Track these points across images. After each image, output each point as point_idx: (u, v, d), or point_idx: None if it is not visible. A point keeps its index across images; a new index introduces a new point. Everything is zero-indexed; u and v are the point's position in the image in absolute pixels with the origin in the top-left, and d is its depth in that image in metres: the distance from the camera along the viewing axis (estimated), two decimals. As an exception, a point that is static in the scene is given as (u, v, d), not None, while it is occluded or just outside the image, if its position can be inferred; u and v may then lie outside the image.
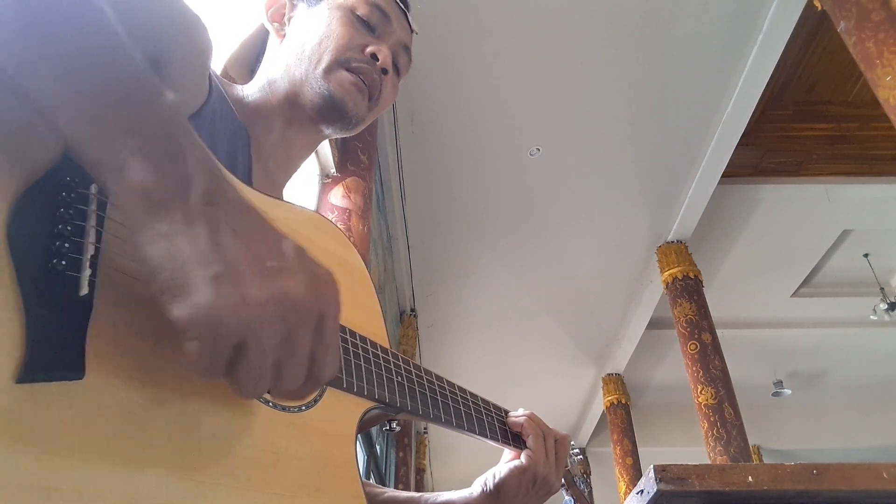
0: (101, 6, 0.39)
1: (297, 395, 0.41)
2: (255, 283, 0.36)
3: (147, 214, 0.36)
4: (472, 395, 0.76)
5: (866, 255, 6.97)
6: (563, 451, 0.80)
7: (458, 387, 0.74)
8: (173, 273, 0.35)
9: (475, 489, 0.76)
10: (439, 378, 0.71)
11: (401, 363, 0.66)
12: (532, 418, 0.80)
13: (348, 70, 0.70)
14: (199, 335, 0.35)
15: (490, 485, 0.75)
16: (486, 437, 0.75)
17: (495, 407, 0.79)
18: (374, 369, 0.61)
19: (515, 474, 0.75)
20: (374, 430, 5.00)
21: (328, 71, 0.69)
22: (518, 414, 0.81)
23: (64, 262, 0.37)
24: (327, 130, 0.73)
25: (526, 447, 0.77)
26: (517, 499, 0.75)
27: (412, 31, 0.79)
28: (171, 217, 0.36)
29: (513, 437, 0.78)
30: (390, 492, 0.80)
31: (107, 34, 0.38)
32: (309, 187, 3.42)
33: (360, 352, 0.61)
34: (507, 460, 0.78)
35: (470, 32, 4.24)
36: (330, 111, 0.70)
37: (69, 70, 0.36)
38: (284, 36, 0.74)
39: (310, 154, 0.79)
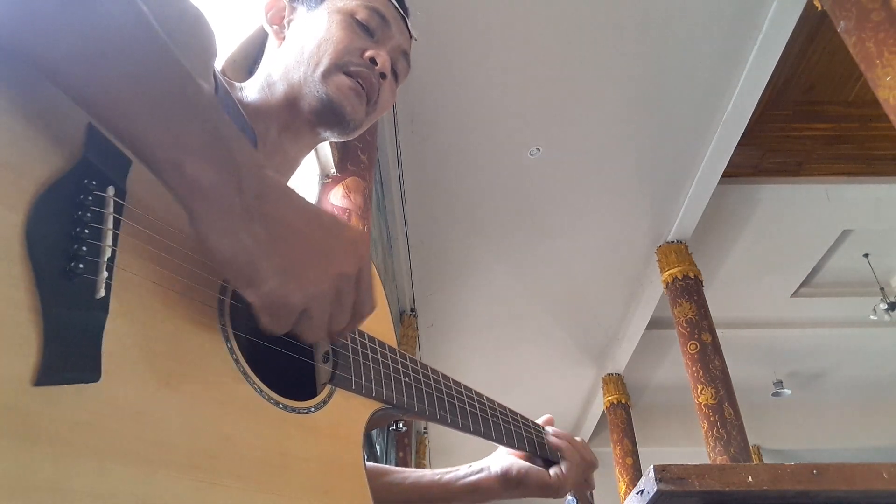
0: (143, 7, 0.41)
1: (345, 331, 0.50)
2: (309, 266, 0.44)
3: (209, 212, 0.41)
4: (478, 395, 0.76)
5: (866, 255, 6.97)
6: (591, 480, 0.82)
7: (465, 386, 0.74)
8: (241, 266, 0.42)
9: (493, 468, 0.77)
10: (446, 378, 0.71)
11: (408, 363, 0.66)
12: (572, 443, 0.81)
13: (347, 74, 0.69)
14: (269, 313, 0.43)
15: (511, 476, 0.76)
16: (492, 439, 0.75)
17: (501, 407, 0.79)
18: (382, 370, 0.61)
19: (537, 484, 0.76)
20: (374, 430, 4.99)
21: (326, 74, 0.69)
22: (557, 433, 0.81)
23: (81, 265, 0.37)
24: (325, 134, 0.73)
25: (537, 455, 0.78)
26: (524, 496, 0.76)
27: (411, 37, 0.79)
28: (232, 214, 0.41)
29: (519, 440, 0.78)
30: (413, 475, 0.79)
31: (155, 31, 0.41)
32: (309, 187, 3.42)
33: (369, 352, 0.61)
34: (507, 453, 0.79)
35: (470, 32, 4.24)
36: (328, 115, 0.69)
37: (127, 71, 0.38)
38: (284, 39, 0.74)
39: (306, 154, 0.79)
